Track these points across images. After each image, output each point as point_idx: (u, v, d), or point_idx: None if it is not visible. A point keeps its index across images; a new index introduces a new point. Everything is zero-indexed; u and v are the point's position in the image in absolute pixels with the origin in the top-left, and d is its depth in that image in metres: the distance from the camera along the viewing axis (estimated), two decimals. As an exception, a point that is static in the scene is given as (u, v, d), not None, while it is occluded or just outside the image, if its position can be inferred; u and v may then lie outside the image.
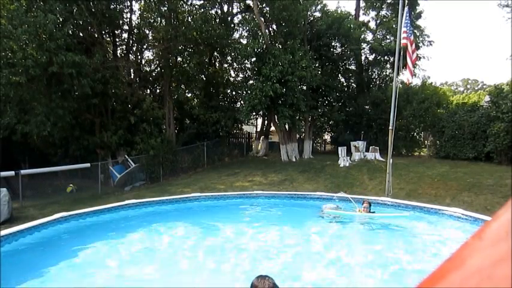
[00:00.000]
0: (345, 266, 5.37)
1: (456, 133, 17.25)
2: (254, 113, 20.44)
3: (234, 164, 18.57)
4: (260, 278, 2.32)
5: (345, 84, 23.99)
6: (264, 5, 18.58)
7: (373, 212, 7.72)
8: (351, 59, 22.44)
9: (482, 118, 16.21)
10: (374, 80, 24.08)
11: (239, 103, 22.58)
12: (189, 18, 18.03)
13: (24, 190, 12.57)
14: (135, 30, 18.36)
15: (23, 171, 12.68)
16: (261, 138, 21.37)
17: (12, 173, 11.68)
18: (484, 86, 46.17)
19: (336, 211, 8.01)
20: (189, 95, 22.72)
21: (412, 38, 9.71)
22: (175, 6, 16.58)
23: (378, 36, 23.26)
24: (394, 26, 19.52)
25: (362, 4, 24.78)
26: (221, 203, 9.39)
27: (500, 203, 9.18)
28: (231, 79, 23.00)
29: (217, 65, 22.89)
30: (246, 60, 19.69)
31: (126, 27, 18.33)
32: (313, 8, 20.82)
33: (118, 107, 17.09)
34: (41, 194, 13.85)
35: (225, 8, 21.78)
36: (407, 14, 9.65)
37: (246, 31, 20.55)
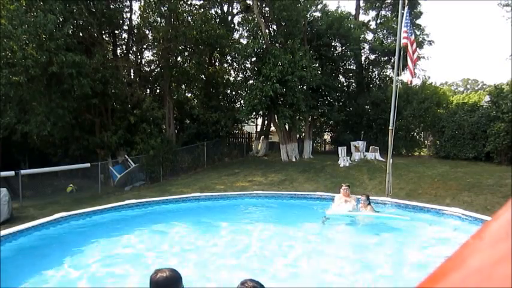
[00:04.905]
0: (345, 265, 5.37)
1: (456, 133, 17.26)
2: (254, 113, 20.43)
3: (234, 164, 18.56)
4: (242, 283, 2.25)
5: (345, 84, 23.99)
6: (264, 5, 18.58)
7: (378, 212, 7.71)
8: (351, 59, 22.44)
9: (482, 118, 16.21)
10: (374, 80, 24.08)
11: (239, 103, 22.59)
12: (189, 18, 18.03)
13: (24, 190, 12.57)
14: (135, 30, 18.35)
15: (23, 171, 12.67)
16: (261, 138, 21.36)
17: (12, 173, 11.67)
18: (484, 86, 46.18)
19: (339, 212, 7.99)
20: (189, 95, 22.72)
21: (412, 37, 9.71)
22: (175, 6, 16.57)
23: (378, 36, 23.27)
24: (394, 25, 19.52)
25: (362, 4, 24.79)
26: (221, 203, 9.38)
27: (500, 203, 9.20)
28: (231, 79, 23.00)
29: (217, 65, 22.88)
30: (246, 60, 19.69)
31: (126, 27, 18.33)
32: (313, 8, 20.83)
33: (118, 107, 17.09)
34: (41, 194, 13.85)
35: (225, 8, 21.79)
36: (408, 14, 9.65)
37: (246, 31, 20.55)
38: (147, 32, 18.23)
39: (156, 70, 19.73)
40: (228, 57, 22.34)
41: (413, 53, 9.59)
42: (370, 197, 8.07)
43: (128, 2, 17.66)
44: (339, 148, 17.45)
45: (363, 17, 25.09)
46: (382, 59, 22.73)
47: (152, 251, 5.88)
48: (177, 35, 16.58)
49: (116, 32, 18.22)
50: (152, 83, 20.31)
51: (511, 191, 10.54)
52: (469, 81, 57.61)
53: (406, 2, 10.31)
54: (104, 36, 17.47)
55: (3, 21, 12.30)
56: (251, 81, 19.05)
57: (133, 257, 5.60)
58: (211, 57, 21.74)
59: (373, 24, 24.77)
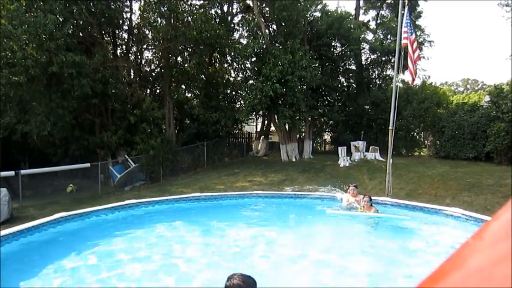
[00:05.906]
0: (345, 265, 5.37)
1: (456, 133, 17.27)
2: (254, 113, 20.44)
3: (234, 164, 18.56)
4: (228, 278, 2.38)
5: (345, 84, 24.02)
6: (264, 5, 18.58)
7: (377, 211, 7.73)
8: (351, 59, 22.46)
9: (482, 118, 16.21)
10: (374, 80, 24.10)
11: (239, 103, 22.59)
12: (189, 18, 18.03)
13: (24, 190, 12.57)
14: (135, 30, 18.36)
15: (23, 171, 12.68)
16: (261, 138, 21.36)
17: (12, 173, 11.67)
18: (484, 86, 46.19)
19: (340, 212, 8.02)
20: (189, 95, 22.72)
21: (413, 37, 9.68)
22: (175, 6, 16.57)
23: (378, 36, 23.28)
24: (394, 25, 19.52)
25: (362, 4, 24.80)
26: (221, 203, 9.37)
27: (500, 203, 9.20)
28: (231, 79, 23.00)
29: (217, 65, 22.88)
30: (246, 60, 19.69)
31: (126, 27, 18.33)
32: (313, 8, 20.83)
33: (118, 107, 17.09)
34: (41, 194, 13.85)
35: (225, 8, 21.79)
36: (408, 14, 9.64)
37: (246, 31, 20.56)
38: (147, 32, 18.23)
39: (156, 70, 19.74)
40: (228, 57, 22.34)
41: (413, 53, 9.57)
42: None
43: (128, 2, 17.66)
44: (339, 148, 17.46)
45: (363, 17, 25.15)
46: (382, 59, 22.74)
47: (152, 251, 5.88)
48: (177, 35, 16.58)
49: (116, 32, 18.23)
50: (152, 83, 20.32)
51: (511, 191, 10.54)
52: (469, 81, 57.62)
53: (406, 2, 10.30)
54: (104, 36, 17.46)
55: (3, 21, 12.30)
56: (251, 81, 19.06)
57: (133, 257, 5.59)
58: (211, 57, 21.73)
59: (373, 24, 24.79)
